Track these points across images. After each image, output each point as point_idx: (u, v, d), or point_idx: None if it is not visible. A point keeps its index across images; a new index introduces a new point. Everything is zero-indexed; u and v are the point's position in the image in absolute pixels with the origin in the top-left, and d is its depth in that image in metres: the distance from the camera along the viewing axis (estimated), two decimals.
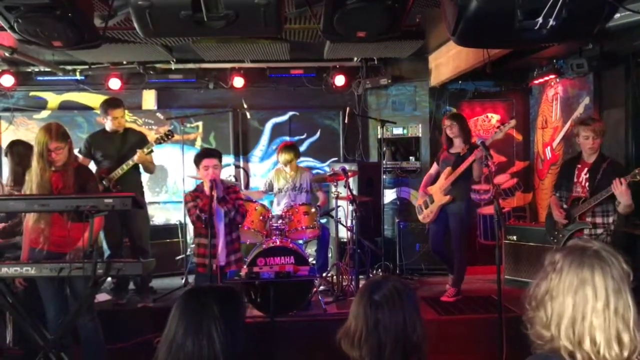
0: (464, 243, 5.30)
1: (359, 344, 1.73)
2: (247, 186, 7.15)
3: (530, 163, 7.33)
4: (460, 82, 7.00)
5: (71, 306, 3.68)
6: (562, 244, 4.36)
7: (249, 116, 7.20)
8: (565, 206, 4.41)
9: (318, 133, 7.32)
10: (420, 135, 7.13)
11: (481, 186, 5.69)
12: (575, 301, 1.44)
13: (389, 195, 7.12)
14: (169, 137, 5.29)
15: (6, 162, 4.76)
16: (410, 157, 7.14)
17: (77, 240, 3.59)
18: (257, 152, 7.34)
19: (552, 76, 6.32)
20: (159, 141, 5.22)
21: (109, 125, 5.22)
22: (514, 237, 5.79)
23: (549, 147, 6.79)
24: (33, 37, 2.85)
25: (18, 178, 4.33)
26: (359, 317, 1.75)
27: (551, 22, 2.74)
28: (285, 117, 7.31)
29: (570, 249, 1.54)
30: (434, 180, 5.39)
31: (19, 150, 4.54)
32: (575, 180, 4.38)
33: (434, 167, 5.50)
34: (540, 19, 2.75)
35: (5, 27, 2.79)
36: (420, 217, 5.51)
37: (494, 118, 7.27)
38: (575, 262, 1.48)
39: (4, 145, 7.02)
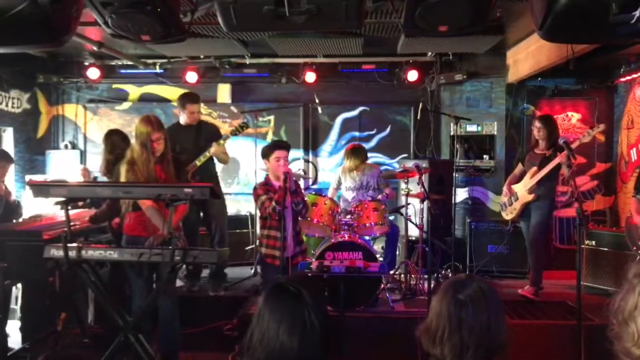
0: (542, 240, 5.24)
1: (440, 342, 1.70)
2: (315, 180, 7.20)
3: (613, 165, 6.95)
4: (539, 79, 6.72)
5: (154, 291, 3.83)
6: None
7: (319, 111, 7.24)
8: None
9: (388, 129, 7.27)
10: (495, 133, 6.90)
11: (558, 188, 5.50)
12: None
13: (461, 194, 6.95)
14: (244, 128, 5.40)
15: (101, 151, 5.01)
16: (484, 156, 6.93)
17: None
18: (327, 146, 7.38)
19: None
20: (235, 133, 5.35)
21: (184, 118, 5.38)
22: (593, 242, 5.53)
23: (634, 149, 6.41)
24: (124, 31, 2.99)
25: (109, 166, 4.54)
26: (441, 316, 1.72)
27: None
28: (355, 112, 7.32)
29: None
30: (518, 180, 5.37)
31: (113, 140, 4.74)
32: None
33: (519, 168, 5.46)
34: (637, 12, 2.60)
35: (99, 22, 2.94)
36: (503, 214, 5.52)
37: (575, 117, 6.95)
38: None
39: (89, 134, 7.48)
